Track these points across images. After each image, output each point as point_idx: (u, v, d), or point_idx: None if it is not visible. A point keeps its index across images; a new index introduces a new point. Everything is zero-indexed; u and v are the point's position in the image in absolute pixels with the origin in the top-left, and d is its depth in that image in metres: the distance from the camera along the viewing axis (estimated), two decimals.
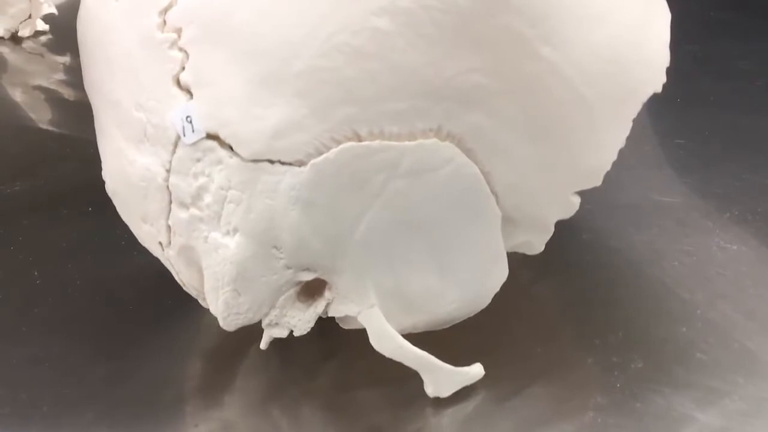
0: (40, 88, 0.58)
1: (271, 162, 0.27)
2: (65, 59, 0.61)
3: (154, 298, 0.36)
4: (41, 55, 0.62)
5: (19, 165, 0.48)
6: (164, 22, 0.28)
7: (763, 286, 0.37)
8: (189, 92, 0.28)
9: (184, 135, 0.28)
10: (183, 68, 0.28)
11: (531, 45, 0.28)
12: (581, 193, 0.32)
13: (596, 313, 0.36)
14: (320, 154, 0.27)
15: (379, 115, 0.27)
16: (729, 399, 0.31)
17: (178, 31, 0.28)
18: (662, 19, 0.32)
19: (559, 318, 0.36)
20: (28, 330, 0.36)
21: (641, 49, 0.30)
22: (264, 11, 0.27)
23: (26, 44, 0.63)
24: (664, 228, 0.40)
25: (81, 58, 0.32)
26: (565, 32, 0.28)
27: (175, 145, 0.28)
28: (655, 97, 0.31)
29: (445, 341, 0.31)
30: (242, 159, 0.27)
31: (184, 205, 0.29)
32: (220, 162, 0.28)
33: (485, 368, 0.31)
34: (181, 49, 0.28)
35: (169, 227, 0.29)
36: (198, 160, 0.28)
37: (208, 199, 0.28)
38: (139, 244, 0.33)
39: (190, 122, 0.27)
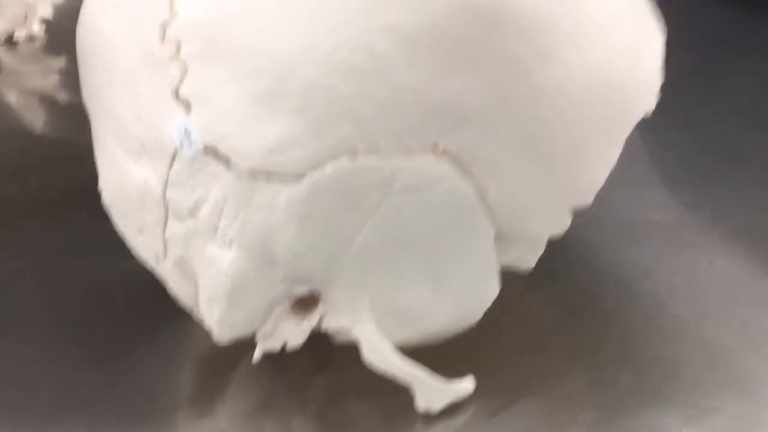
0: (34, 91, 0.58)
1: (268, 177, 0.27)
2: (60, 62, 0.61)
3: (147, 306, 0.36)
4: (36, 58, 0.62)
5: (13, 168, 0.48)
6: (164, 35, 0.28)
7: (752, 303, 0.37)
8: (188, 106, 0.28)
9: (182, 148, 0.28)
10: (182, 82, 0.28)
11: (526, 66, 0.28)
12: (573, 209, 0.32)
13: (586, 328, 0.36)
14: (316, 170, 0.27)
15: (375, 132, 0.27)
16: (717, 417, 0.31)
17: (178, 45, 0.28)
18: (655, 40, 0.32)
19: (549, 333, 0.36)
20: (21, 336, 0.36)
21: (634, 70, 0.30)
22: (264, 28, 0.27)
23: (21, 47, 0.63)
24: (655, 244, 0.41)
25: (80, 68, 0.32)
26: (561, 54, 0.28)
27: (173, 158, 0.28)
28: (646, 114, 0.31)
29: (436, 355, 0.31)
30: (239, 173, 0.27)
31: (180, 218, 0.29)
32: (217, 176, 0.28)
33: (475, 382, 0.32)
34: (180, 63, 0.28)
35: (165, 240, 0.30)
36: (195, 174, 0.28)
37: (204, 212, 0.28)
38: (133, 251, 0.33)
39: (188, 136, 0.28)
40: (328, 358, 0.34)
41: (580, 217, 0.32)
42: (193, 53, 0.28)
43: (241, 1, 0.27)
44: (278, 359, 0.32)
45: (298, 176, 0.27)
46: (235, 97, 0.27)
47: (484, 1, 0.28)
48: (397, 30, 0.27)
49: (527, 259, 0.33)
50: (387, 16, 0.27)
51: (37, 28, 0.64)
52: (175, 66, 0.28)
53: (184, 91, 0.28)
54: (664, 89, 0.32)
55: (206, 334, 0.32)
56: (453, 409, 0.31)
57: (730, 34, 0.61)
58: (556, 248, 0.33)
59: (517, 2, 0.28)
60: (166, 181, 0.29)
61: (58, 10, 0.65)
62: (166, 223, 0.29)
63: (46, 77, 0.59)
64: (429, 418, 0.31)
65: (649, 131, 0.48)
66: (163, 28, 0.28)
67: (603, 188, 0.32)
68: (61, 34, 0.62)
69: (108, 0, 0.30)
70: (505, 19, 0.28)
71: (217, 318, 0.29)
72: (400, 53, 0.27)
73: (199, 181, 0.28)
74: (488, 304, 0.32)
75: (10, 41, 0.63)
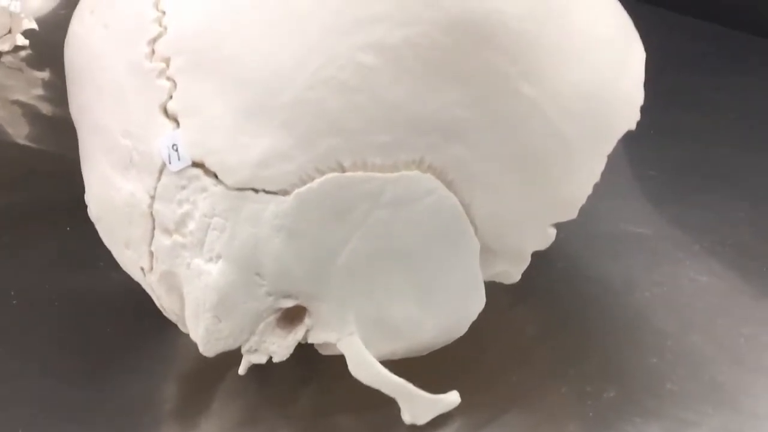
0: (18, 103, 0.57)
1: (256, 191, 0.28)
2: (45, 75, 0.61)
3: (132, 320, 0.36)
4: (20, 70, 0.62)
5: None
6: (153, 51, 0.28)
7: (733, 317, 0.37)
8: (176, 121, 0.28)
9: (170, 163, 0.28)
10: (170, 97, 0.28)
11: (512, 81, 0.28)
12: (557, 223, 0.32)
13: (570, 341, 0.36)
14: (304, 183, 0.27)
15: (362, 146, 0.27)
16: (698, 430, 0.32)
17: (167, 60, 0.28)
18: (638, 57, 0.33)
19: (533, 346, 0.36)
20: (4, 350, 0.35)
21: (618, 86, 0.31)
22: (252, 43, 0.27)
23: (5, 59, 0.63)
24: (637, 258, 0.41)
25: (68, 83, 0.32)
26: (546, 70, 0.29)
27: (161, 172, 0.28)
28: (629, 130, 0.32)
29: (422, 368, 0.31)
30: (227, 187, 0.28)
31: (167, 232, 0.29)
32: (204, 190, 0.28)
33: (461, 395, 0.32)
34: (169, 79, 0.28)
35: (151, 253, 0.30)
36: (183, 188, 0.28)
37: (191, 226, 0.28)
38: (118, 264, 0.33)
39: (176, 150, 0.28)
40: (314, 370, 0.34)
41: (564, 231, 0.33)
42: (182, 69, 0.28)
43: (229, 16, 0.28)
44: (264, 372, 0.32)
45: (286, 190, 0.27)
46: (223, 112, 0.27)
47: (469, 18, 0.28)
48: (384, 45, 0.27)
49: (512, 272, 0.33)
50: (374, 31, 0.27)
51: (21, 41, 0.64)
52: (164, 81, 0.28)
53: (172, 105, 0.28)
54: (647, 106, 0.32)
55: (190, 349, 0.32)
56: (439, 422, 0.32)
57: (710, 52, 0.62)
58: (540, 262, 0.33)
59: (503, 19, 0.28)
60: (154, 195, 0.29)
61: (43, 23, 0.65)
62: (152, 236, 0.29)
63: (29, 90, 0.59)
64: (415, 431, 0.31)
65: (632, 147, 0.48)
66: (152, 43, 0.28)
67: (587, 202, 0.32)
68: (46, 47, 0.62)
69: (96, 16, 0.30)
70: (491, 36, 0.28)
71: (203, 331, 0.29)
72: (387, 68, 0.27)
73: (186, 195, 0.28)
74: (474, 317, 0.32)
75: None
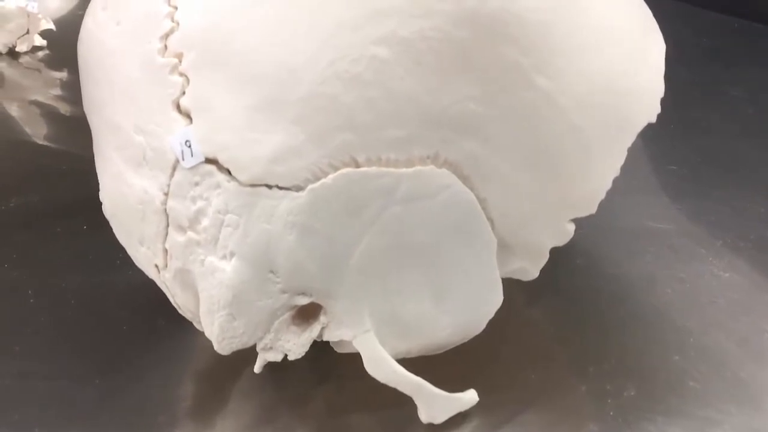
0: (36, 103, 0.58)
1: (269, 187, 0.27)
2: (62, 75, 0.61)
3: (148, 319, 0.36)
4: (38, 71, 0.62)
5: (14, 181, 0.48)
6: (165, 47, 0.28)
7: (755, 314, 0.37)
8: (189, 117, 0.28)
9: (183, 159, 0.28)
10: (183, 93, 0.28)
11: (526, 75, 0.28)
12: (576, 219, 0.32)
13: (590, 339, 0.36)
14: (318, 179, 0.27)
15: (376, 141, 0.27)
16: (721, 428, 0.31)
17: (179, 56, 0.28)
18: (657, 49, 0.32)
19: (552, 344, 0.36)
20: (21, 349, 0.35)
21: (636, 79, 0.30)
22: (264, 38, 0.27)
23: (23, 59, 0.63)
24: (658, 254, 0.41)
25: (81, 80, 0.32)
26: (561, 62, 0.28)
27: (174, 168, 0.28)
28: (648, 123, 0.31)
29: (439, 366, 0.31)
30: (240, 183, 0.27)
31: (181, 229, 0.29)
32: (218, 186, 0.28)
33: (479, 394, 0.32)
34: (181, 74, 0.28)
35: (165, 250, 0.30)
36: (196, 184, 0.28)
37: (205, 222, 0.28)
38: (134, 263, 0.33)
39: (189, 146, 0.27)
40: (329, 369, 0.33)
41: (582, 227, 0.32)
42: (195, 64, 0.28)
43: (241, 11, 0.27)
44: (280, 371, 0.32)
45: (299, 185, 0.27)
46: (236, 108, 0.27)
47: (483, 10, 0.27)
48: (398, 38, 0.27)
49: (530, 269, 0.33)
50: (387, 24, 0.27)
51: (39, 41, 0.64)
52: (177, 77, 0.28)
53: (185, 102, 0.28)
54: (666, 100, 0.32)
55: (206, 348, 0.31)
56: (457, 421, 0.31)
57: (729, 45, 0.61)
58: (558, 259, 0.33)
59: (517, 11, 0.28)
60: (167, 192, 0.29)
61: (60, 23, 0.65)
62: (166, 234, 0.29)
63: (47, 90, 0.60)
64: (432, 430, 0.31)
65: (651, 141, 0.48)
66: (164, 39, 0.28)
67: (606, 197, 0.31)
68: (63, 47, 0.62)
69: (109, 12, 0.30)
70: (505, 28, 0.28)
71: (218, 329, 0.29)
72: (400, 62, 0.27)
73: (199, 192, 0.28)
74: (491, 314, 0.31)
75: (12, 53, 0.63)
